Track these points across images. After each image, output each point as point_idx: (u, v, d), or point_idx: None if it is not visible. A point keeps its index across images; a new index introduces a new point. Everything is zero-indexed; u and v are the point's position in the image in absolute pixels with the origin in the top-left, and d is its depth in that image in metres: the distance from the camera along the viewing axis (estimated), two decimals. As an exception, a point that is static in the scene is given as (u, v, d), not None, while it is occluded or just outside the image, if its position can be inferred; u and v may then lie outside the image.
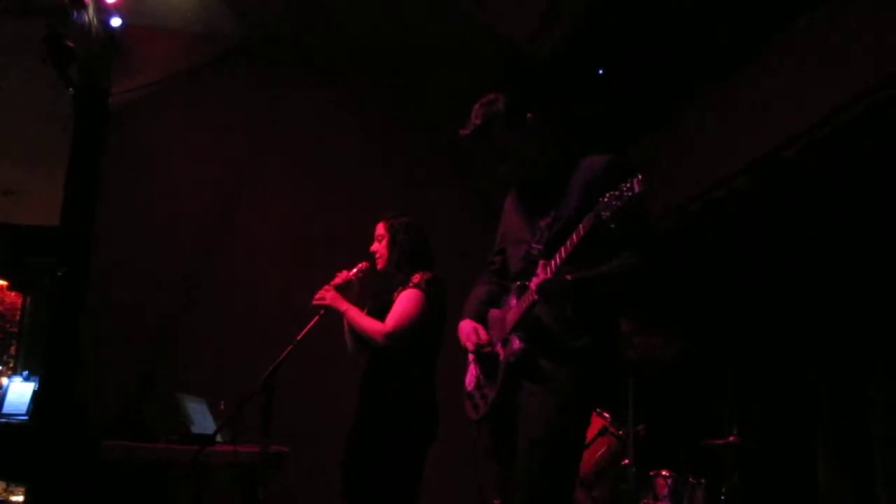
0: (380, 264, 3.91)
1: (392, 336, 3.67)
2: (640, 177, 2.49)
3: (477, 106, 3.06)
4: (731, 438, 4.82)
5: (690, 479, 4.87)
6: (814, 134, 4.80)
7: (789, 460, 5.01)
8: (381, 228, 3.94)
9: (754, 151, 5.28)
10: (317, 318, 3.72)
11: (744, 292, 5.58)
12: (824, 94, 4.68)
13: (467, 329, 3.14)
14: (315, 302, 3.78)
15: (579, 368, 2.88)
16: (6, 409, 6.55)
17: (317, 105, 6.48)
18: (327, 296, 3.78)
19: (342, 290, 3.82)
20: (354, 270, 3.88)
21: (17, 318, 10.35)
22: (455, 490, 4.96)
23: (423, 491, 3.72)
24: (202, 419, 5.03)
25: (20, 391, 6.66)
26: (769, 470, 5.04)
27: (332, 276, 3.86)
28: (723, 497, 4.80)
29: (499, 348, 3.03)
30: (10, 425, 6.24)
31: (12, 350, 10.20)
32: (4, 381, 8.51)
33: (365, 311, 3.86)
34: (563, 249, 2.72)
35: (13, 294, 10.45)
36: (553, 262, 2.75)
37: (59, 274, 5.67)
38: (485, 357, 3.10)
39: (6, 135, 7.31)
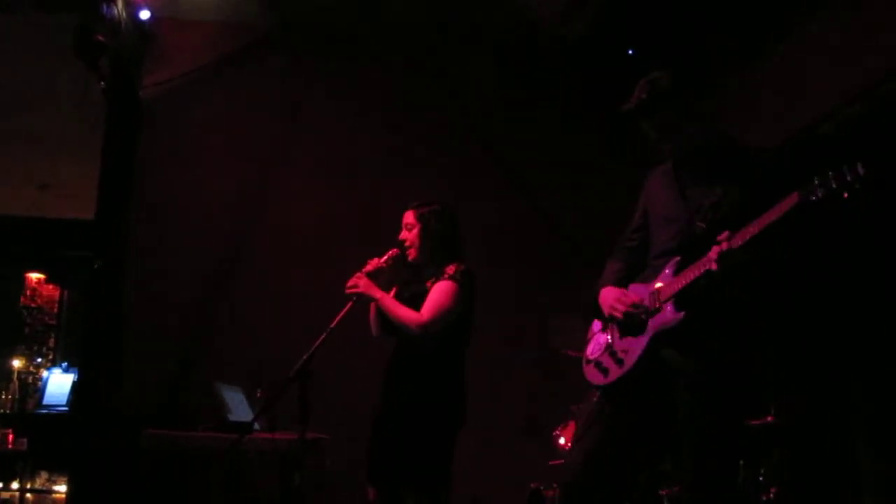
0: (412, 254, 3.86)
1: (428, 327, 3.66)
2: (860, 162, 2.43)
3: (642, 81, 3.04)
4: (769, 418, 4.76)
5: (728, 461, 4.82)
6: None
7: (827, 440, 4.95)
8: (410, 217, 3.89)
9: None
10: (350, 305, 3.71)
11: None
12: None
13: (615, 294, 3.14)
14: (348, 290, 3.76)
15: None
16: (47, 400, 6.64)
17: (346, 92, 6.47)
18: (360, 283, 3.76)
19: (373, 277, 3.80)
20: (385, 258, 3.86)
21: (55, 310, 10.53)
22: (484, 472, 5.00)
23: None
24: (239, 407, 5.07)
25: (60, 382, 6.76)
26: (808, 450, 4.98)
27: (364, 264, 3.85)
28: (761, 478, 4.75)
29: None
30: (51, 416, 6.34)
31: (51, 342, 10.38)
32: (44, 372, 8.65)
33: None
34: (753, 226, 2.68)
35: (51, 287, 10.62)
36: (741, 235, 2.71)
37: (95, 266, 5.74)
38: (628, 323, 3.07)
39: (40, 129, 7.40)
